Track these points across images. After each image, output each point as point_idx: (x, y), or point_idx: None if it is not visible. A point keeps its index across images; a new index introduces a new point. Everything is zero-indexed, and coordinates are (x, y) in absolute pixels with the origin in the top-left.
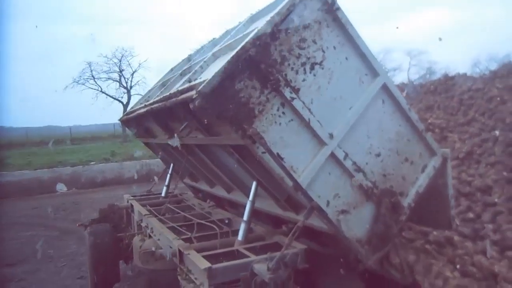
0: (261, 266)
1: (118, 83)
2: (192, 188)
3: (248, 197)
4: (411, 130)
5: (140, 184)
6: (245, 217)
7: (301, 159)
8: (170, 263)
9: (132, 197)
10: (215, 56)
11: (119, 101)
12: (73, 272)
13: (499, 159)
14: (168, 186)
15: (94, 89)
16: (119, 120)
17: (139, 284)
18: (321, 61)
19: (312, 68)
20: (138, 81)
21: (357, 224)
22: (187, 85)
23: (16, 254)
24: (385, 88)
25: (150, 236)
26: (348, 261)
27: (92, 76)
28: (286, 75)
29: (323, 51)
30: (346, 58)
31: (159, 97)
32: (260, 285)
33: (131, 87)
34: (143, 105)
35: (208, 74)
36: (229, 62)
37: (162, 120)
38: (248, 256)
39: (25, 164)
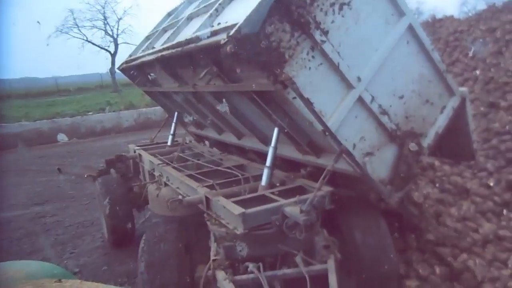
0: (292, 209)
1: (103, 32)
2: (196, 136)
3: (262, 143)
4: (433, 71)
5: (138, 133)
6: (268, 163)
7: (329, 104)
8: (192, 210)
9: (138, 147)
10: None
11: (107, 50)
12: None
13: (478, 96)
14: (173, 135)
15: (79, 38)
16: (118, 68)
17: (170, 230)
18: (349, 1)
19: (340, 8)
20: (125, 29)
21: (380, 165)
22: (207, 30)
23: (40, 196)
24: (410, 28)
25: (166, 185)
26: (369, 201)
27: (76, 25)
28: (315, 16)
29: None
30: None
31: (168, 44)
32: (291, 227)
33: (117, 35)
34: (148, 52)
35: (229, 17)
36: (260, 4)
37: (171, 67)
38: (276, 200)
39: (21, 116)
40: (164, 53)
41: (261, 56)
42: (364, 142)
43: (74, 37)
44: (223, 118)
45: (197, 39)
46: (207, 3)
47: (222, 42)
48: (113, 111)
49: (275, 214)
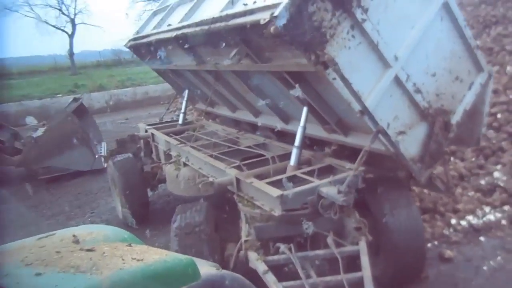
0: (329, 190)
1: (58, 11)
2: (206, 113)
3: (283, 121)
4: (464, 47)
5: (112, 114)
6: (296, 142)
7: (366, 83)
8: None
9: (150, 126)
10: None
11: (63, 31)
12: None
13: None
14: (185, 113)
15: (32, 17)
16: (125, 46)
17: (199, 209)
18: None
19: None
20: (82, 8)
21: (412, 144)
22: (238, 8)
23: None
24: (445, 5)
25: (185, 165)
26: (398, 179)
27: (27, 3)
28: None
29: None
30: None
31: (189, 21)
32: (327, 207)
33: (75, 15)
34: (163, 29)
35: None
36: None
37: (190, 45)
38: (309, 181)
39: None
40: (185, 30)
41: (304, 36)
42: (397, 121)
43: (26, 16)
44: (241, 96)
45: (228, 17)
46: None
47: (263, 22)
48: (84, 93)
49: (311, 195)
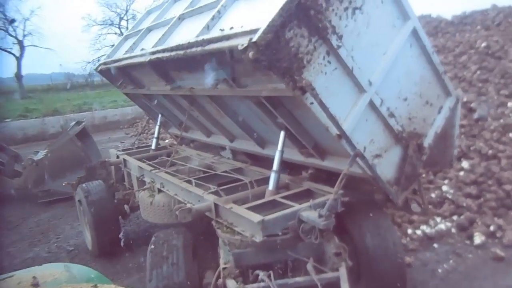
0: (310, 214)
1: (4, 32)
2: (179, 138)
3: (259, 145)
4: (433, 72)
5: None
6: (275, 167)
7: (343, 108)
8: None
9: (121, 152)
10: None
11: (10, 52)
12: None
13: None
14: (158, 138)
15: None
16: (95, 70)
17: (176, 237)
18: (361, 5)
19: (353, 13)
20: (32, 30)
21: (387, 167)
22: (214, 33)
23: None
24: (414, 32)
25: (159, 191)
26: (375, 201)
27: None
28: (331, 21)
29: None
30: (382, 2)
31: (163, 46)
32: (307, 232)
33: (24, 36)
34: (136, 53)
35: (235, 21)
36: (282, 9)
37: (163, 69)
38: (289, 205)
39: None
40: (159, 55)
41: (281, 61)
42: (373, 144)
43: None
44: (216, 121)
45: (205, 42)
46: (201, 5)
47: (241, 47)
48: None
49: (291, 219)
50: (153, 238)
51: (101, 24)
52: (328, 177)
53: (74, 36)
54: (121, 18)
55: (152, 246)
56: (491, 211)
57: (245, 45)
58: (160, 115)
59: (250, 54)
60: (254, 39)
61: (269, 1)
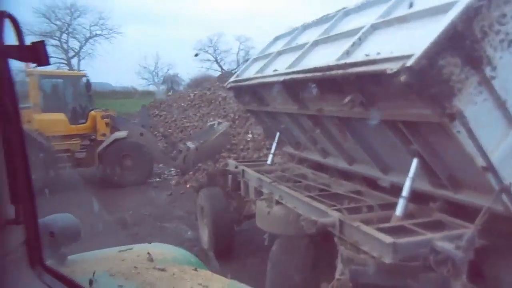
0: (445, 244)
1: None
2: (292, 156)
3: (381, 171)
4: None
5: None
6: (404, 193)
7: (491, 139)
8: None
9: (240, 163)
10: (374, 28)
11: None
12: None
13: None
14: (274, 154)
15: None
16: (225, 86)
17: (298, 246)
18: None
19: (509, 45)
20: None
21: None
22: (361, 58)
23: None
24: None
25: (278, 203)
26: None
27: None
28: (485, 52)
29: None
30: None
31: (299, 67)
32: (440, 263)
33: None
34: (268, 73)
35: (376, 47)
36: (439, 37)
37: (293, 89)
38: (419, 233)
39: None
40: (294, 76)
41: (432, 88)
42: None
43: None
44: (337, 143)
45: (347, 66)
46: (337, 32)
47: (389, 71)
48: None
49: (424, 247)
50: (274, 245)
51: (37, 35)
52: (456, 211)
53: None
54: (62, 32)
55: (273, 255)
56: None
57: (394, 69)
58: (278, 133)
59: (402, 77)
60: (408, 64)
61: (412, 32)
